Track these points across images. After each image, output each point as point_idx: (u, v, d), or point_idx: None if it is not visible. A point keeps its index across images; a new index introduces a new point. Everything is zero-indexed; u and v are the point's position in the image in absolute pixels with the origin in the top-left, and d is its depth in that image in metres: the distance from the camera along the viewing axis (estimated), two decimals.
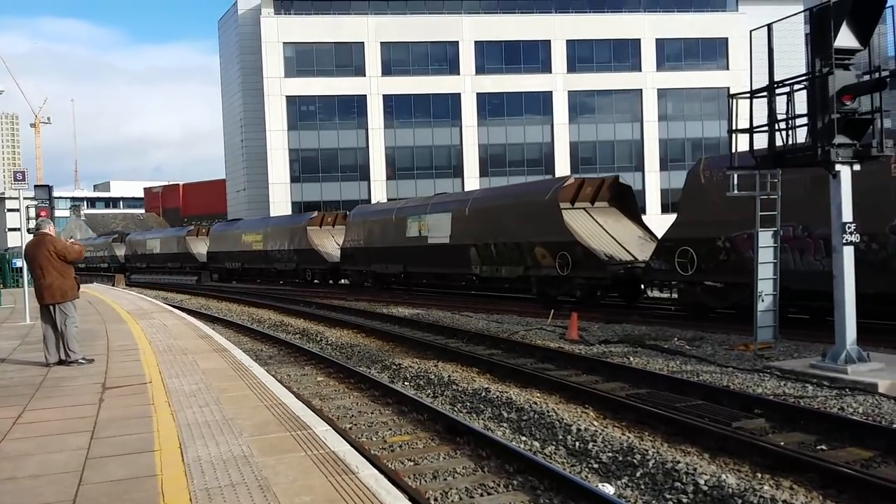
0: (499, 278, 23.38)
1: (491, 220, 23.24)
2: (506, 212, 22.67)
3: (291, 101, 59.78)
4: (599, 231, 20.13)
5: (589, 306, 18.95)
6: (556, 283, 20.61)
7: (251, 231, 43.25)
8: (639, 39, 61.72)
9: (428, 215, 26.81)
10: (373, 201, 55.01)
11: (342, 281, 35.49)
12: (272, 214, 53.64)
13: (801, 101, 10.50)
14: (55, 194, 25.38)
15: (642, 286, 19.43)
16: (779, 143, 10.75)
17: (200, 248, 50.07)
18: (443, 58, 61.20)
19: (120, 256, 64.66)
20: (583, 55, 61.78)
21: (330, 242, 35.85)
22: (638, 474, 6.62)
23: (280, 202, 59.21)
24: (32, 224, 20.08)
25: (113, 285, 40.63)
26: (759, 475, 6.40)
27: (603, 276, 18.85)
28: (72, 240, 16.11)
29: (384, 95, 60.22)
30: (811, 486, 6.06)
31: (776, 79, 10.66)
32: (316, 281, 36.99)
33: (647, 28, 61.56)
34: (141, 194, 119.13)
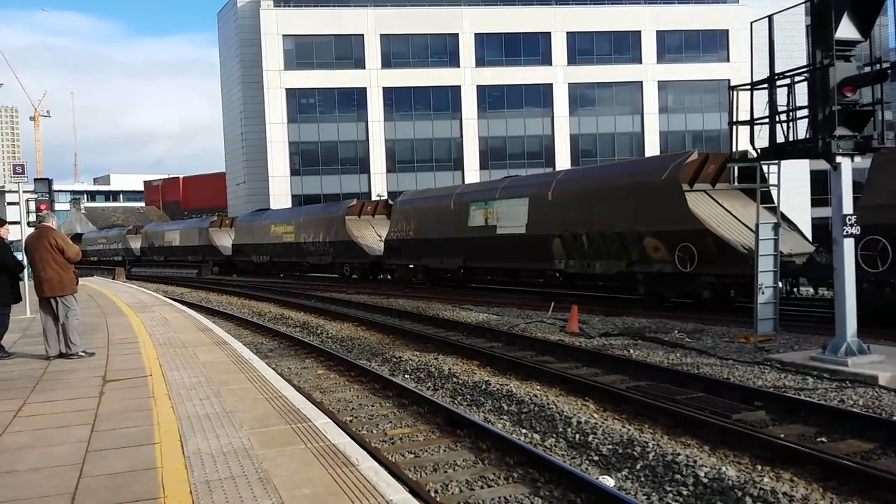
0: (590, 275, 19.86)
1: (583, 205, 19.52)
2: (603, 195, 18.97)
3: (291, 93, 59.66)
4: (729, 218, 16.71)
5: (714, 309, 16.38)
6: (673, 281, 17.17)
7: (281, 222, 39.86)
8: (639, 31, 61.56)
9: (497, 201, 23.23)
10: (373, 194, 54.80)
11: (381, 276, 32.42)
12: (273, 207, 53.16)
13: (801, 93, 10.48)
14: (55, 188, 25.35)
15: (787, 286, 16.15)
16: (779, 135, 10.74)
17: (224, 240, 46.83)
18: (443, 50, 61.06)
19: (135, 249, 61.25)
20: (583, 47, 61.64)
21: (371, 234, 32.51)
22: (638, 466, 6.62)
23: (280, 195, 59.16)
24: (33, 217, 20.10)
25: (113, 278, 40.65)
26: (760, 467, 6.41)
27: (743, 272, 15.13)
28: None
29: (384, 88, 60.08)
30: (811, 479, 6.07)
31: (777, 70, 10.63)
32: (355, 276, 33.48)
33: (647, 20, 61.39)
34: (141, 187, 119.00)
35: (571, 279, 21.25)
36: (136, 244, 61.64)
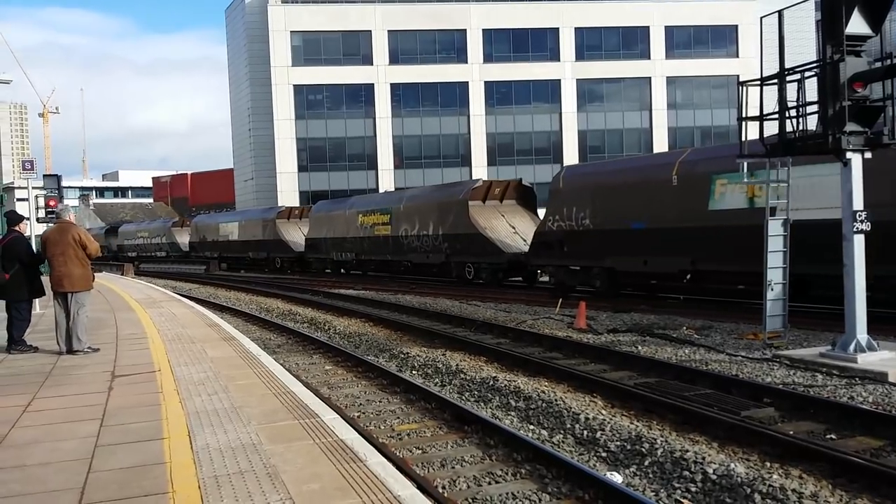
0: None
1: None
2: None
3: (299, 90, 59.76)
4: None
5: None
6: None
7: (373, 210, 32.27)
8: (647, 27, 61.39)
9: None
10: (380, 191, 54.66)
11: (513, 278, 25.53)
12: (280, 204, 52.81)
13: (811, 89, 10.41)
14: (64, 184, 25.44)
15: None
16: (789, 130, 10.68)
17: (295, 234, 39.65)
18: (450, 46, 61.03)
19: (182, 244, 54.86)
20: (591, 43, 61.51)
21: (501, 224, 25.30)
22: (646, 463, 6.60)
23: (288, 191, 59.32)
24: (42, 213, 20.19)
25: (122, 274, 40.81)
26: (769, 464, 6.38)
27: None
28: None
29: (392, 84, 60.13)
30: (821, 476, 6.04)
31: (787, 66, 10.57)
32: (480, 280, 25.53)
33: (655, 15, 61.20)
34: (149, 184, 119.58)
35: None
36: (182, 238, 55.48)
